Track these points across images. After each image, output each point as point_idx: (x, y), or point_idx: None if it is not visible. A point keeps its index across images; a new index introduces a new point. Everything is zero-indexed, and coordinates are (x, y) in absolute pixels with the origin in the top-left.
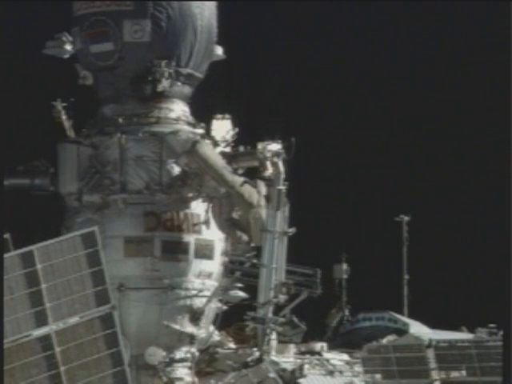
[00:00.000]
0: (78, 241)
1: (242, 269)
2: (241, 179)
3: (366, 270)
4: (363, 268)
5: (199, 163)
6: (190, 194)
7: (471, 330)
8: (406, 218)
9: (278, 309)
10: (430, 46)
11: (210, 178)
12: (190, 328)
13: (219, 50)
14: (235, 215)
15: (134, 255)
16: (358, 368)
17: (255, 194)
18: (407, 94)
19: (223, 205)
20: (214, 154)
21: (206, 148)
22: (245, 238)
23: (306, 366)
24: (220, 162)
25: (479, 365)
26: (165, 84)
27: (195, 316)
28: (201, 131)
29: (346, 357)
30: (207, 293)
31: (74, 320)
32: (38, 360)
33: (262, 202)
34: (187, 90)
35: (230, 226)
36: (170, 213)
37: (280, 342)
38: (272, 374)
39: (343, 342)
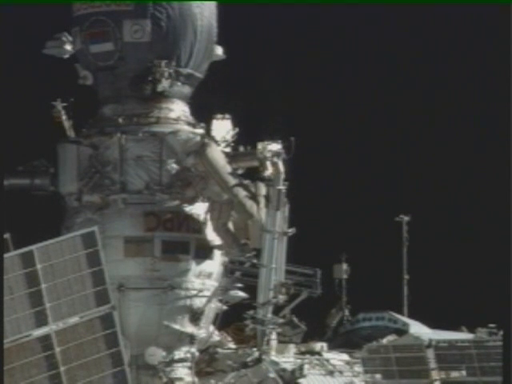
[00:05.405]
0: (78, 241)
1: (242, 269)
2: (234, 181)
3: (366, 269)
4: (363, 268)
5: (206, 167)
6: (192, 195)
7: (471, 330)
8: (406, 218)
9: (278, 309)
10: (430, 46)
11: (214, 183)
12: (189, 328)
13: (219, 50)
14: (232, 221)
15: (133, 255)
16: (358, 368)
17: (254, 206)
18: (408, 94)
19: (223, 210)
20: (221, 160)
21: (215, 153)
22: (237, 244)
23: (306, 366)
24: (226, 169)
25: (479, 365)
26: (165, 84)
27: (195, 316)
28: (201, 131)
29: (345, 357)
30: (207, 293)
31: (73, 320)
32: (38, 360)
33: (262, 203)
34: (187, 90)
35: (225, 230)
36: (170, 213)
37: (280, 341)
38: (272, 374)
39: (343, 341)
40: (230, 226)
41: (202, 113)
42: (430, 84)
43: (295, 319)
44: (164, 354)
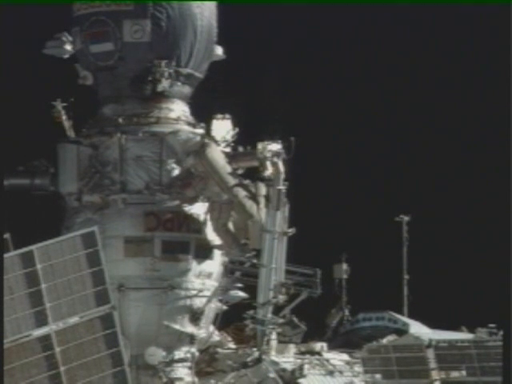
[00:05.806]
0: (78, 241)
1: (242, 269)
2: (234, 181)
3: (366, 269)
4: (363, 268)
5: (206, 167)
6: (192, 195)
7: (471, 330)
8: (406, 218)
9: (278, 309)
10: (430, 46)
11: (214, 183)
12: (190, 328)
13: (219, 50)
14: (231, 222)
15: (133, 255)
16: (358, 368)
17: (254, 206)
18: (407, 94)
19: (223, 210)
20: (221, 160)
21: (215, 153)
22: (237, 244)
23: (306, 366)
24: (226, 169)
25: (479, 365)
26: (165, 84)
27: (195, 316)
28: (201, 131)
29: (346, 357)
30: (207, 293)
31: (73, 320)
32: (38, 360)
33: (262, 203)
34: (187, 89)
35: (225, 230)
36: (170, 213)
37: (280, 341)
38: (272, 374)
39: (343, 341)
40: (230, 226)
41: (202, 113)
42: (430, 84)
43: (295, 319)
44: (164, 353)
